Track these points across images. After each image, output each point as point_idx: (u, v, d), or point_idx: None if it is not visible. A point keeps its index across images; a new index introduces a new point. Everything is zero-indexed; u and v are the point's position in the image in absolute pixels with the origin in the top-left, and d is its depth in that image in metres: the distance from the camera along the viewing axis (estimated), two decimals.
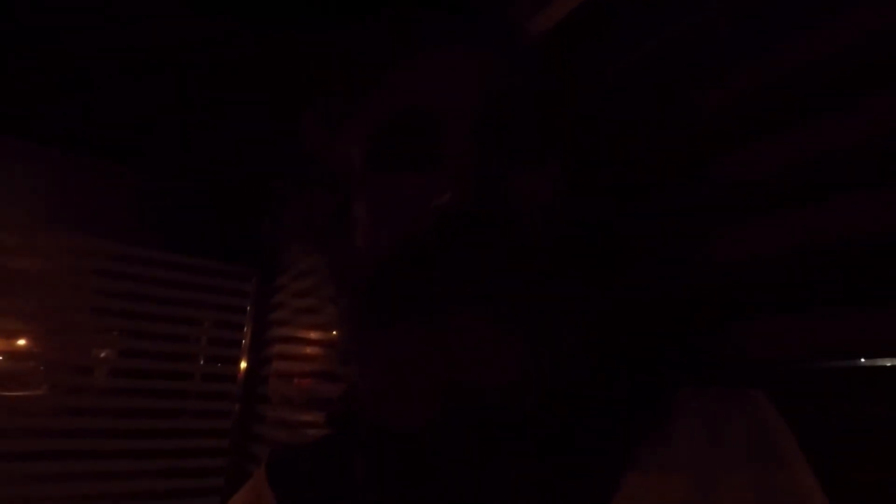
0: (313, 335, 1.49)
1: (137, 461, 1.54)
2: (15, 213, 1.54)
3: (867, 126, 0.41)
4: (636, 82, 0.61)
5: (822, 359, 0.44)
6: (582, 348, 0.38)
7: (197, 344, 1.79)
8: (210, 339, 1.79)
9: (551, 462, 0.35)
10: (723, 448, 0.37)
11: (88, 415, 1.59)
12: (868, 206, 0.41)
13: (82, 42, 1.30)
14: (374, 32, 0.45)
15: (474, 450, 0.35)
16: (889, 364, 0.43)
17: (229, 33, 1.23)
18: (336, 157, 0.44)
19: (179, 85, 1.41)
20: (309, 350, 1.47)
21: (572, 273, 0.38)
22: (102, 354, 1.84)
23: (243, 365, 1.74)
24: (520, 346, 0.34)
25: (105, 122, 1.58)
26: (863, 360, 0.46)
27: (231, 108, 1.50)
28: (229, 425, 1.67)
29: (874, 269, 0.40)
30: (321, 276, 0.47)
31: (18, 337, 1.69)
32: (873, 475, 0.42)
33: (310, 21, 1.13)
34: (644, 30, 0.62)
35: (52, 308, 1.67)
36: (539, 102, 0.41)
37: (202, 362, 1.78)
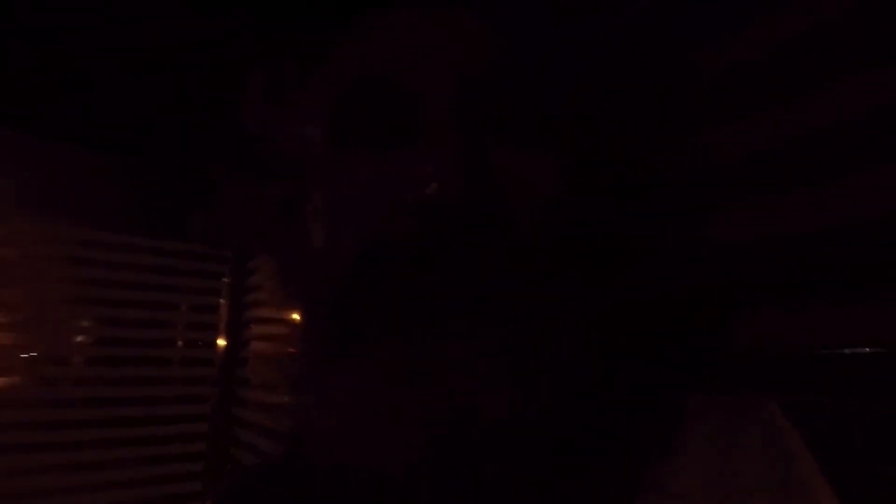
0: (293, 315, 1.45)
1: (116, 449, 1.52)
2: None
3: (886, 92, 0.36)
4: (622, 52, 0.55)
5: (833, 348, 0.41)
6: (583, 357, 0.33)
7: (174, 329, 1.74)
8: (187, 323, 1.75)
9: (554, 489, 0.31)
10: (737, 461, 0.35)
11: (66, 406, 1.55)
12: (884, 183, 0.36)
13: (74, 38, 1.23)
14: None
15: (462, 496, 0.30)
16: None
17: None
18: (286, 136, 0.37)
19: (155, 68, 1.34)
20: (288, 331, 1.44)
21: (571, 274, 0.33)
22: (78, 340, 1.79)
23: (221, 346, 1.71)
24: (517, 367, 0.29)
25: (75, 108, 1.50)
26: (868, 349, 0.42)
27: (205, 90, 1.43)
28: (208, 410, 1.65)
29: (889, 251, 0.37)
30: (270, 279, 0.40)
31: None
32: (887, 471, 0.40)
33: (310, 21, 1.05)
34: None
35: (26, 298, 1.61)
36: (528, 81, 0.35)
37: (180, 345, 1.74)
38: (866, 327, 0.39)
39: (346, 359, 0.31)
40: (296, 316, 1.36)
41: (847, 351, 0.44)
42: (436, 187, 0.30)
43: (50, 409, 1.54)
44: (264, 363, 1.58)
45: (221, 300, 1.72)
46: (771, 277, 0.44)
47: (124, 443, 1.53)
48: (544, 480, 0.32)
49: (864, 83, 0.39)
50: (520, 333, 0.30)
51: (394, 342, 0.29)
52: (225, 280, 1.72)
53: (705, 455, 0.36)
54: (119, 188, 1.62)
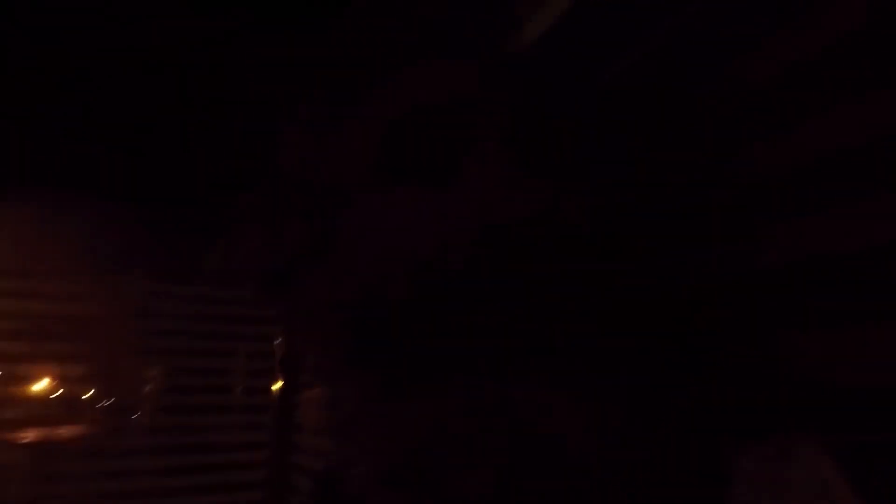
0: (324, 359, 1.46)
1: (179, 497, 1.55)
2: (50, 259, 1.58)
3: None
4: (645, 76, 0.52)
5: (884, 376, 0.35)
6: (643, 392, 0.30)
7: (233, 376, 1.79)
8: (246, 370, 1.79)
9: None
10: None
11: (135, 454, 1.61)
12: None
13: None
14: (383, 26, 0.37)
15: None
16: None
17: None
18: (322, 171, 0.36)
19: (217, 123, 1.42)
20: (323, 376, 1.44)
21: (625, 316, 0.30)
22: (147, 389, 1.87)
23: (276, 391, 1.73)
24: (594, 416, 0.26)
25: (130, 168, 1.62)
26: None
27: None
28: (266, 456, 1.67)
29: None
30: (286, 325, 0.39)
31: (70, 380, 1.73)
32: None
33: (310, 21, 1.08)
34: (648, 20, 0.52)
35: (98, 350, 1.72)
36: (565, 117, 0.34)
37: (239, 391, 1.78)
38: None
39: (391, 404, 0.28)
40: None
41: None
42: (488, 217, 0.28)
43: (120, 459, 1.60)
44: (314, 407, 1.58)
45: (276, 343, 1.75)
46: (820, 300, 0.39)
47: (184, 491, 1.56)
48: None
49: None
50: (584, 369, 0.27)
51: (442, 388, 0.27)
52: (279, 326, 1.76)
53: (749, 500, 0.33)
54: (173, 239, 1.71)
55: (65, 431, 1.76)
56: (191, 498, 1.60)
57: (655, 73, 0.52)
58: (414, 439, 0.29)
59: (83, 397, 1.73)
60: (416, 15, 0.36)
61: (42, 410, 1.70)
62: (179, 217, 1.70)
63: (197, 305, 1.76)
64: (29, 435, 1.68)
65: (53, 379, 1.72)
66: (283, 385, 1.73)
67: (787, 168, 0.44)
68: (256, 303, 1.77)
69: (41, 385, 1.74)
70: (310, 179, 0.38)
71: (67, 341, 1.62)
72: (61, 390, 1.78)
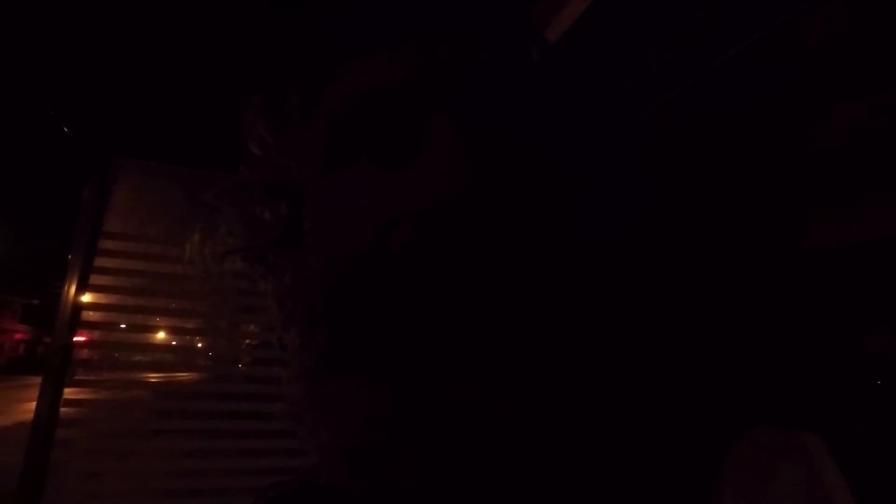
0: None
1: (263, 440, 1.72)
2: (159, 225, 1.79)
3: None
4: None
5: None
6: (611, 375, 0.28)
7: None
8: None
9: None
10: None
11: (233, 399, 1.81)
12: None
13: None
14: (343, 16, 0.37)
15: None
16: None
17: None
18: (287, 157, 0.37)
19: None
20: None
21: (590, 291, 0.28)
22: (245, 343, 2.07)
23: None
24: (536, 387, 0.25)
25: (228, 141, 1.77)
26: None
27: None
28: None
29: None
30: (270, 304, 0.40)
31: (182, 332, 1.98)
32: None
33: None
34: None
35: (206, 308, 1.93)
36: (533, 93, 0.32)
37: None
38: None
39: (345, 380, 0.29)
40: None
41: None
42: (438, 200, 0.28)
43: (221, 402, 1.81)
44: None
45: None
46: (860, 289, 0.33)
47: (275, 434, 1.73)
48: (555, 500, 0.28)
49: None
50: (535, 348, 0.26)
51: (395, 361, 0.27)
52: None
53: (739, 496, 0.30)
54: None
55: (180, 375, 2.02)
56: (280, 440, 1.76)
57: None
58: (356, 420, 0.29)
59: (193, 348, 1.97)
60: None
61: (161, 357, 1.96)
62: None
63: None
64: (151, 377, 1.95)
65: (169, 331, 1.97)
66: None
67: (825, 148, 0.38)
68: None
69: (160, 335, 2.00)
70: (273, 164, 0.39)
71: (177, 298, 1.84)
72: (175, 341, 2.03)
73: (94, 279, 1.69)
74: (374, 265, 0.27)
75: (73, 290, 1.62)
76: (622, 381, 0.30)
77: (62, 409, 1.59)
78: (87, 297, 1.69)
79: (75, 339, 1.66)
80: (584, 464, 0.28)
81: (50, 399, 1.55)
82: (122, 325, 1.84)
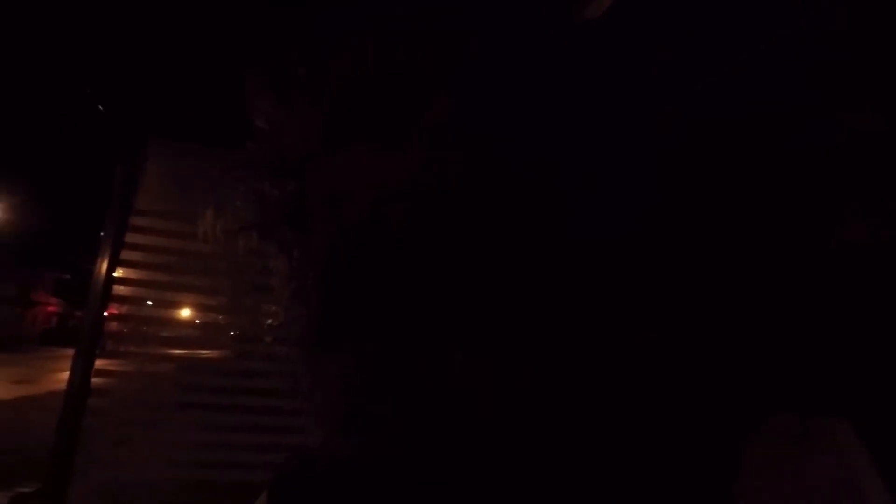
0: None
1: (291, 417, 1.76)
2: (188, 203, 1.83)
3: None
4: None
5: None
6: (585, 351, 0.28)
7: None
8: None
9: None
10: (800, 492, 0.29)
11: (254, 376, 1.85)
12: None
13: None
14: None
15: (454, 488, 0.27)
16: None
17: None
18: (289, 133, 0.37)
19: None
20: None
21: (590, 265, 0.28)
22: (266, 322, 2.11)
23: None
24: (534, 363, 0.25)
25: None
26: None
27: None
28: None
29: None
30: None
31: (206, 309, 2.03)
32: None
33: None
34: None
35: (227, 286, 1.98)
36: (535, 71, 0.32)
37: None
38: None
39: (339, 342, 0.30)
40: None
41: None
42: (435, 177, 0.28)
43: (243, 379, 1.85)
44: None
45: None
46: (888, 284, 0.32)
47: (295, 413, 1.77)
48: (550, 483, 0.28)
49: None
50: (529, 323, 0.27)
51: (385, 332, 0.28)
52: None
53: (764, 485, 0.29)
54: None
55: (204, 351, 2.08)
56: (300, 418, 1.80)
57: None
58: (347, 389, 0.30)
59: (217, 325, 2.02)
60: None
61: (186, 332, 2.02)
62: None
63: None
64: (177, 351, 2.01)
65: (195, 308, 2.02)
66: None
67: (865, 141, 0.36)
68: None
69: (185, 312, 2.05)
70: (278, 140, 0.39)
71: (202, 275, 1.89)
72: (200, 318, 2.08)
73: (125, 255, 1.74)
74: (367, 238, 0.27)
75: (104, 265, 1.67)
76: (641, 371, 0.30)
77: (93, 379, 1.65)
78: (117, 273, 1.74)
79: (106, 312, 1.72)
80: (581, 444, 0.27)
81: (82, 369, 1.61)
82: (149, 302, 1.89)
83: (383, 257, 0.27)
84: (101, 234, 1.69)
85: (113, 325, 1.79)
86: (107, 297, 1.69)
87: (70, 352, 1.68)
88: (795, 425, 0.32)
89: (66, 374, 1.65)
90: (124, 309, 1.84)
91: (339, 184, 0.32)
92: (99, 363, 1.68)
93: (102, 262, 1.67)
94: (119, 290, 1.76)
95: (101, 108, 1.63)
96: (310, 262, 0.34)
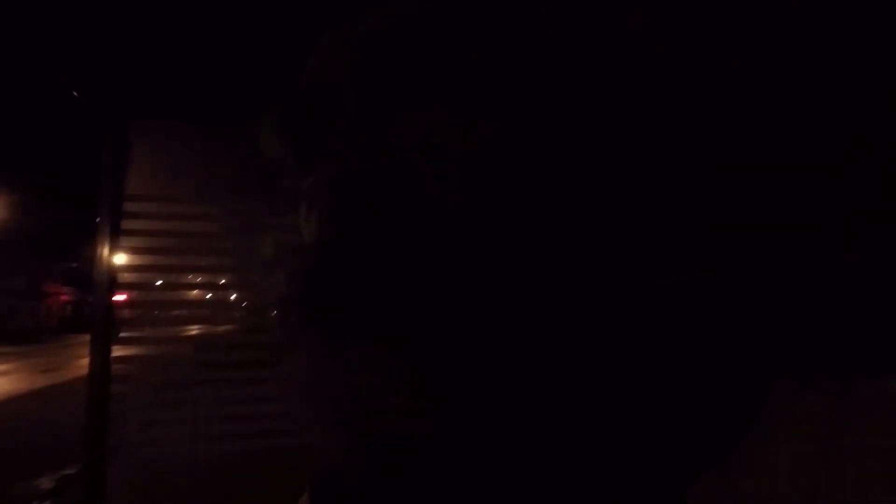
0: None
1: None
2: (180, 184, 1.80)
3: None
4: None
5: None
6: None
7: None
8: None
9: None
10: (841, 457, 0.28)
11: (263, 348, 1.88)
12: None
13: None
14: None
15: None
16: None
17: None
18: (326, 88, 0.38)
19: None
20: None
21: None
22: (272, 295, 2.13)
23: None
24: (416, 377, 0.26)
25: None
26: None
27: None
28: None
29: None
30: None
31: (216, 287, 2.04)
32: None
33: None
34: None
35: (235, 262, 1.99)
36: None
37: None
38: None
39: (301, 348, 0.31)
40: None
41: None
42: (344, 191, 0.28)
43: (254, 351, 1.89)
44: None
45: None
46: None
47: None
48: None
49: None
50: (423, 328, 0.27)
51: (324, 331, 0.29)
52: None
53: (798, 451, 0.28)
54: None
55: (217, 328, 2.11)
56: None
57: None
58: (299, 388, 0.30)
59: (227, 301, 2.04)
60: None
61: (197, 312, 2.04)
62: None
63: None
64: (190, 330, 2.04)
65: (202, 287, 2.04)
66: None
67: None
68: None
69: (194, 292, 2.07)
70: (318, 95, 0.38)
71: (205, 255, 1.89)
72: (208, 296, 2.10)
73: (124, 241, 1.74)
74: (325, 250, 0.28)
75: (105, 252, 1.67)
76: (681, 312, 0.28)
77: (113, 367, 1.68)
78: (119, 259, 1.74)
79: (116, 299, 1.73)
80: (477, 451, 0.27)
81: (100, 357, 1.64)
82: (158, 283, 1.90)
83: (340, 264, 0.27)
84: (97, 220, 1.69)
85: (124, 312, 1.81)
86: (113, 284, 1.70)
87: (89, 338, 1.71)
88: (837, 383, 0.31)
89: (86, 360, 1.69)
90: (133, 295, 1.86)
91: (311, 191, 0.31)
92: (116, 350, 1.71)
93: (103, 249, 1.67)
94: (124, 276, 1.76)
95: (77, 95, 1.58)
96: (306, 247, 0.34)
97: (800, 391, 0.28)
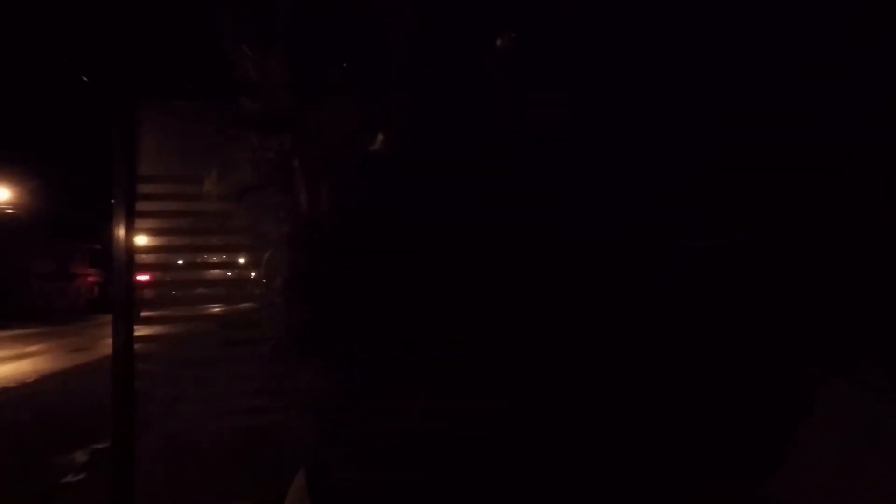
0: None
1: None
2: (190, 163, 1.80)
3: None
4: None
5: None
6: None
7: None
8: None
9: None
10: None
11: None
12: None
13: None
14: None
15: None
16: None
17: None
18: (278, 85, 0.36)
19: None
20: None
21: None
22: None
23: None
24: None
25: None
26: None
27: None
28: None
29: None
30: None
31: (235, 266, 2.06)
32: None
33: None
34: None
35: (249, 240, 1.99)
36: None
37: None
38: None
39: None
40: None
41: None
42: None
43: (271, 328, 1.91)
44: None
45: None
46: None
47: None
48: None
49: None
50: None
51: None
52: None
53: (832, 432, 0.27)
54: None
55: (238, 306, 2.13)
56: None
57: None
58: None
59: (246, 279, 2.06)
60: None
61: (217, 290, 2.06)
62: None
63: None
64: (211, 309, 2.07)
65: (221, 265, 2.05)
66: None
67: None
68: None
69: (213, 271, 2.08)
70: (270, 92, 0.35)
71: (221, 234, 1.89)
72: (229, 273, 2.12)
73: (140, 223, 1.75)
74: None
75: (121, 234, 1.68)
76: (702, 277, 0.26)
77: (136, 346, 1.72)
78: (137, 241, 1.76)
79: (137, 279, 1.76)
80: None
81: (123, 337, 1.67)
82: (180, 262, 1.92)
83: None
84: (112, 203, 1.70)
85: (145, 293, 1.84)
86: (132, 266, 1.72)
87: None
88: (880, 376, 0.29)
89: None
90: (154, 275, 1.88)
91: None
92: (139, 329, 1.74)
93: (119, 231, 1.69)
94: (142, 258, 1.78)
95: (80, 75, 1.57)
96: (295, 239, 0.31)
97: (831, 383, 0.26)
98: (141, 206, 1.73)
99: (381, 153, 0.24)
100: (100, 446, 4.10)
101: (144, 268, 1.79)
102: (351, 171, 0.25)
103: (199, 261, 1.96)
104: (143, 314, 1.78)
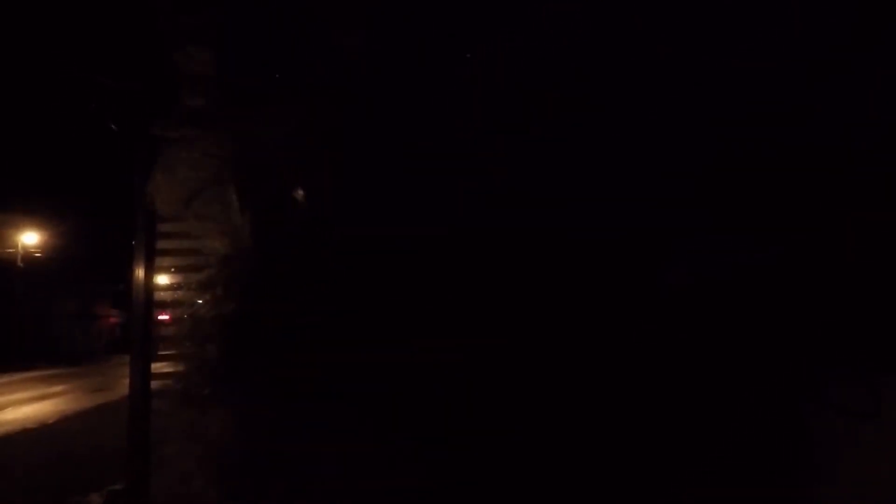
0: None
1: None
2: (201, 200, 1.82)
3: None
4: None
5: None
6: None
7: None
8: None
9: None
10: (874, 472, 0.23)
11: None
12: None
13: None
14: None
15: None
16: None
17: None
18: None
19: None
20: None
21: None
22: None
23: None
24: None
25: None
26: None
27: None
28: None
29: None
30: None
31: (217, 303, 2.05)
32: None
33: None
34: None
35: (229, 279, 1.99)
36: None
37: None
38: None
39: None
40: None
41: None
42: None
43: None
44: None
45: None
46: None
47: None
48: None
49: None
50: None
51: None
52: None
53: (833, 457, 0.24)
54: None
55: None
56: None
57: None
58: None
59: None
60: None
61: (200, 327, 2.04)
62: None
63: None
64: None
65: (207, 303, 2.04)
66: None
67: None
68: None
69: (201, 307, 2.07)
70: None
71: (209, 271, 1.90)
72: (215, 311, 2.09)
73: (160, 261, 1.77)
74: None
75: (141, 273, 1.71)
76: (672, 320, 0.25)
77: (153, 383, 1.71)
78: (157, 279, 1.78)
79: (157, 317, 1.77)
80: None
81: (140, 376, 1.67)
82: (199, 301, 1.92)
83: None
84: (133, 243, 1.73)
85: (164, 330, 1.84)
86: (150, 304, 1.74)
87: None
88: (862, 401, 0.27)
89: None
90: (173, 313, 1.89)
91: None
92: (156, 367, 1.74)
93: (138, 270, 1.71)
94: (160, 295, 1.80)
95: (107, 122, 1.63)
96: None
97: (819, 410, 0.24)
98: (161, 244, 1.76)
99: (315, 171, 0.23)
100: (116, 487, 4.05)
101: (160, 305, 1.81)
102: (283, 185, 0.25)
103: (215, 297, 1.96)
104: (160, 353, 1.78)
